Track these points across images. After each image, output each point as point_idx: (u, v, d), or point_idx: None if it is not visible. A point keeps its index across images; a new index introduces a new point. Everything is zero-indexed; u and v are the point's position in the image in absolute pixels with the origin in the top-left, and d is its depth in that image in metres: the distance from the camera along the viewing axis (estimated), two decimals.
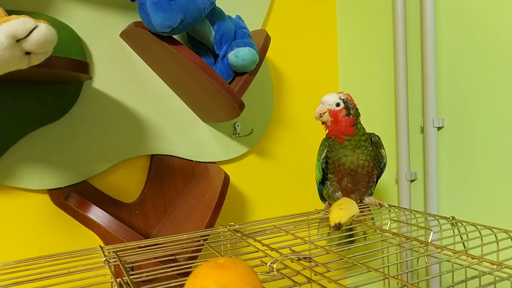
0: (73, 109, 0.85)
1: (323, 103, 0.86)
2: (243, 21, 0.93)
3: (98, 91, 0.88)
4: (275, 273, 0.53)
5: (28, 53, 0.52)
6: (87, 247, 0.78)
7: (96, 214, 0.79)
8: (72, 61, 0.68)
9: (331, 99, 0.85)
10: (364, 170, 0.87)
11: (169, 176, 0.97)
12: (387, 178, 1.13)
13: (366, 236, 0.82)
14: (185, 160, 1.00)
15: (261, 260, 0.57)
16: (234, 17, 0.93)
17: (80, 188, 0.86)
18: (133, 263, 0.66)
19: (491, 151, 0.91)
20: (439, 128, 1.00)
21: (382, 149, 0.91)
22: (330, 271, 0.52)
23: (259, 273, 0.53)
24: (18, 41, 0.50)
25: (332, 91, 1.27)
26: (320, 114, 0.86)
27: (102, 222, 0.78)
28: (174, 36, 0.81)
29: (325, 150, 0.89)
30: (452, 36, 0.97)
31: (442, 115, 1.00)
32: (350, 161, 0.85)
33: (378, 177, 0.93)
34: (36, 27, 0.50)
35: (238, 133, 1.07)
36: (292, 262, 0.56)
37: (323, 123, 0.87)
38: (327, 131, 0.87)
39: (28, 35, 0.50)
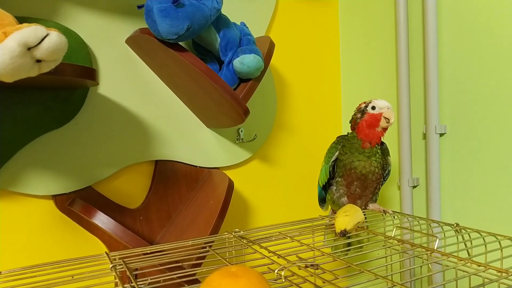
0: (79, 115, 0.85)
1: (390, 108, 0.84)
2: (247, 28, 0.94)
3: (103, 97, 0.88)
4: (283, 280, 0.53)
5: (38, 61, 0.52)
6: (92, 253, 0.78)
7: (101, 219, 0.78)
8: (79, 68, 0.68)
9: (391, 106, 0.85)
10: (374, 177, 0.87)
11: (173, 181, 0.97)
12: (389, 184, 1.13)
13: (362, 246, 0.81)
14: (189, 165, 1.00)
15: (268, 267, 0.57)
16: (239, 24, 0.94)
17: (85, 194, 0.86)
18: (137, 269, 0.66)
19: (494, 157, 0.91)
20: (441, 135, 1.00)
21: (388, 156, 0.92)
22: (338, 278, 0.52)
23: (268, 280, 0.54)
24: (29, 49, 0.51)
25: (334, 97, 1.29)
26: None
27: (107, 228, 0.77)
28: (180, 42, 0.81)
29: (337, 153, 0.89)
30: (454, 41, 0.97)
31: (444, 122, 1.00)
32: (363, 166, 0.86)
33: (382, 184, 0.94)
34: (47, 35, 0.50)
35: (242, 139, 1.07)
36: (299, 269, 0.56)
37: (364, 126, 0.86)
38: (361, 135, 0.86)
39: (39, 43, 0.50)
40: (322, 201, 0.99)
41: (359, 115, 0.86)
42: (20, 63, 0.50)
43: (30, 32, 0.49)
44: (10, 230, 0.81)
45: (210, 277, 0.40)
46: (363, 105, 0.87)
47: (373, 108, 0.85)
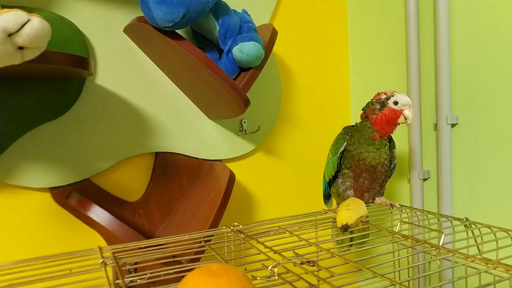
0: (76, 106, 0.83)
1: (411, 106, 0.82)
2: (249, 15, 0.91)
3: (101, 87, 0.86)
4: (276, 277, 0.50)
5: (21, 48, 0.50)
6: (90, 246, 0.76)
7: (97, 213, 0.77)
8: (70, 57, 0.66)
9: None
10: (383, 169, 0.85)
11: (174, 174, 0.95)
12: (399, 177, 1.09)
13: (365, 241, 0.78)
14: (190, 157, 0.98)
15: (262, 264, 0.55)
16: (240, 12, 0.91)
17: (83, 187, 0.85)
18: (134, 264, 0.65)
19: (507, 149, 0.87)
20: (453, 125, 0.96)
21: (394, 149, 0.89)
22: (333, 276, 0.49)
23: (259, 277, 0.51)
24: (10, 35, 0.49)
25: (342, 87, 1.25)
26: None
27: (103, 221, 0.76)
28: (177, 31, 0.79)
29: (345, 144, 0.86)
30: (466, 30, 0.93)
31: (456, 112, 0.96)
32: (372, 157, 0.83)
33: (389, 177, 0.91)
34: (28, 21, 0.48)
35: (245, 130, 1.04)
36: (295, 266, 0.54)
37: (383, 120, 0.82)
38: (377, 128, 0.83)
39: (20, 29, 0.48)
40: (327, 197, 0.96)
41: (378, 106, 0.82)
42: (1, 50, 0.48)
43: (10, 17, 0.47)
44: (7, 223, 0.80)
45: (188, 276, 0.37)
46: (383, 96, 0.83)
47: (395, 103, 0.81)
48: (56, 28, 0.75)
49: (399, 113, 0.81)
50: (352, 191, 0.88)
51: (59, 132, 0.83)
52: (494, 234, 0.64)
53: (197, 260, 0.74)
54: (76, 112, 0.84)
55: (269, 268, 0.51)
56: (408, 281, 0.51)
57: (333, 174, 0.89)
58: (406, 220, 0.77)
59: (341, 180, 0.88)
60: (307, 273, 0.51)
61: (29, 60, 0.53)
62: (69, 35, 0.80)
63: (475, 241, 0.66)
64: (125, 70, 0.89)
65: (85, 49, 0.82)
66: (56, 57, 0.63)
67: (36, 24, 0.49)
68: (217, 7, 0.82)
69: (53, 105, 0.80)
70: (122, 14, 0.88)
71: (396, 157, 0.89)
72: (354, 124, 0.90)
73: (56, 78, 0.78)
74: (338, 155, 0.87)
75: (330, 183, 0.92)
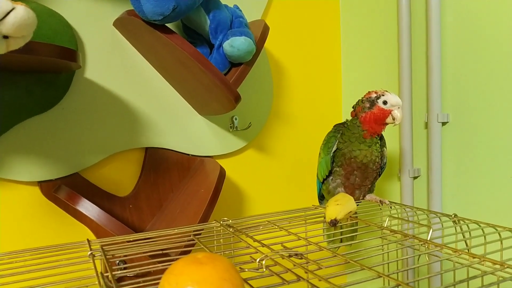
0: (64, 100, 0.82)
1: (400, 107, 0.82)
2: (240, 10, 0.91)
3: (90, 81, 0.86)
4: (264, 269, 0.50)
5: (6, 37, 0.50)
6: (78, 240, 0.76)
7: (86, 207, 0.76)
8: (57, 48, 0.65)
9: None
10: (374, 166, 0.85)
11: (164, 169, 0.95)
12: (389, 175, 1.10)
13: (354, 236, 0.78)
14: (180, 153, 0.98)
15: (250, 256, 0.55)
16: (231, 7, 0.90)
17: (72, 181, 0.84)
18: (122, 257, 0.64)
19: (497, 148, 0.88)
20: (443, 124, 0.97)
21: (384, 148, 0.89)
22: (321, 268, 0.49)
23: (247, 270, 0.51)
24: None
25: (334, 85, 1.25)
26: None
27: (92, 215, 0.75)
28: (168, 25, 0.78)
29: (336, 142, 0.86)
30: (457, 29, 0.94)
31: (446, 110, 0.96)
32: (364, 155, 0.83)
33: (379, 176, 0.91)
34: (13, 9, 0.48)
35: (236, 127, 1.04)
36: (283, 258, 0.54)
37: (372, 119, 0.82)
38: (366, 126, 0.83)
39: (4, 17, 0.47)
40: (322, 197, 0.95)
41: (367, 105, 0.82)
42: None
43: None
44: None
45: (174, 264, 0.37)
46: (373, 95, 0.83)
47: (385, 103, 0.81)
48: (43, 20, 0.75)
49: (387, 113, 0.81)
50: (342, 189, 0.88)
51: (48, 126, 0.82)
52: (482, 229, 0.65)
53: (187, 253, 0.74)
54: (65, 106, 0.83)
55: (257, 260, 0.51)
56: (397, 273, 0.51)
57: (327, 174, 0.89)
58: (395, 216, 0.77)
59: (331, 177, 0.88)
60: (295, 266, 0.51)
61: (15, 51, 0.53)
62: (57, 28, 0.79)
63: (463, 236, 0.66)
64: (114, 64, 0.89)
65: (73, 42, 0.81)
66: (43, 48, 0.62)
67: (20, 12, 0.49)
68: (208, 1, 0.82)
69: (42, 98, 0.79)
70: (112, 7, 0.87)
71: (386, 156, 0.89)
72: (344, 121, 0.90)
73: (44, 71, 0.77)
74: (331, 154, 0.87)
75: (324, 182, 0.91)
